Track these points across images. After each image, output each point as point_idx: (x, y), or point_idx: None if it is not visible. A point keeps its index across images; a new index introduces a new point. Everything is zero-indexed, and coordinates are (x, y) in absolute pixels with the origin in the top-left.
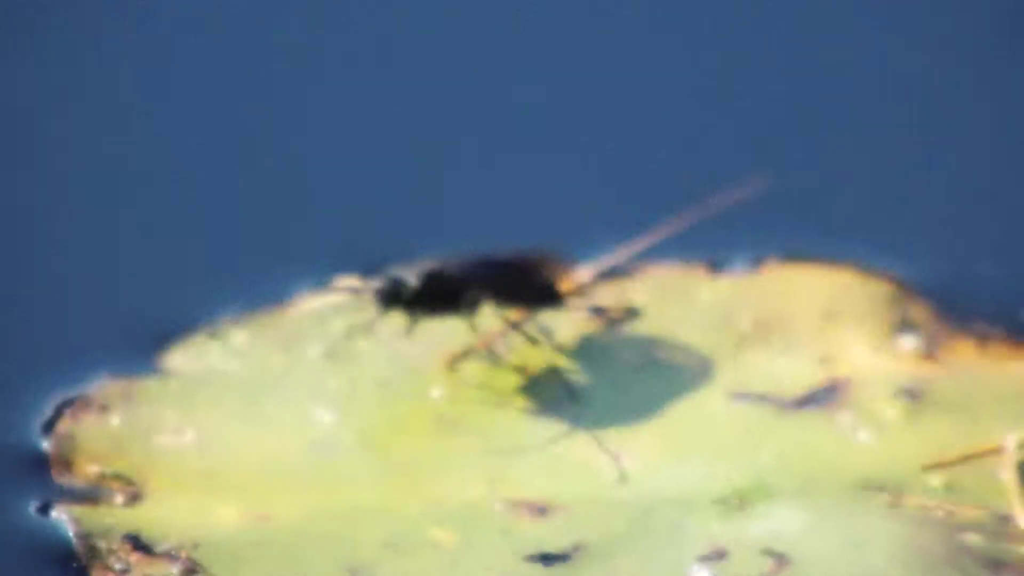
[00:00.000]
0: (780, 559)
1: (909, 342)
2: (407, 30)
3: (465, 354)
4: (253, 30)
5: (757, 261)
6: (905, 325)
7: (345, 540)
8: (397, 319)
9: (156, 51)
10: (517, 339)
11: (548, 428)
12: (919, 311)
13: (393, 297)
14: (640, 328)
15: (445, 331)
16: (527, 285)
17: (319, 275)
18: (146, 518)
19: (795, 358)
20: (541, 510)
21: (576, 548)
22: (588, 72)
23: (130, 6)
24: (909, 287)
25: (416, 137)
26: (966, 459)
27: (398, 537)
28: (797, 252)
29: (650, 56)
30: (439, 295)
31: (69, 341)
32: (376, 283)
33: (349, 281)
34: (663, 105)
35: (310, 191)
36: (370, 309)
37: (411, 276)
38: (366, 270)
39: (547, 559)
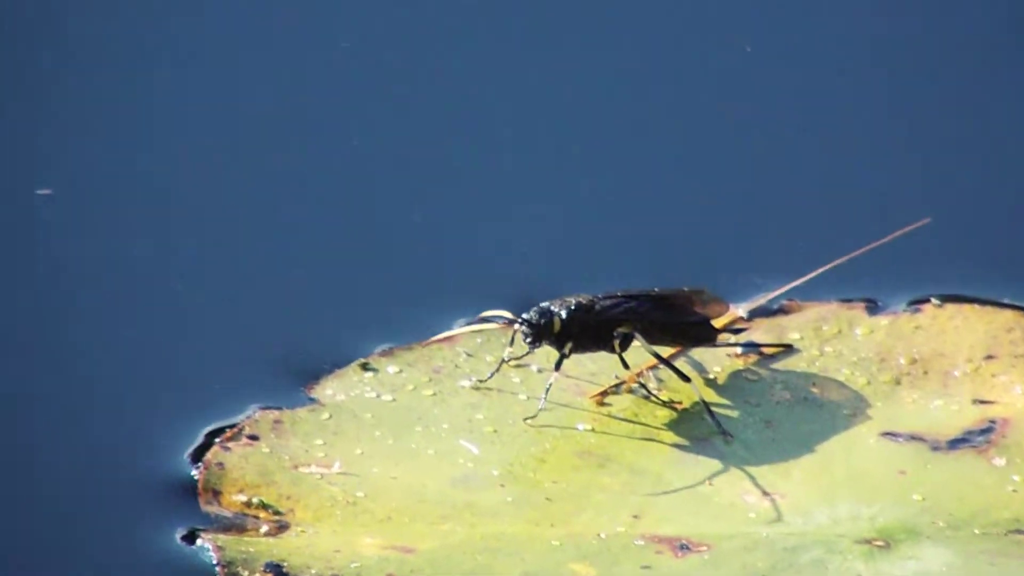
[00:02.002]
0: None
1: None
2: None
3: (614, 388)
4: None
5: (916, 301)
6: None
7: (484, 573)
8: (547, 353)
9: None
10: (668, 374)
11: (696, 465)
12: None
13: (543, 331)
14: (794, 365)
15: (595, 365)
16: (680, 320)
17: (470, 309)
18: (289, 547)
19: (951, 398)
20: (684, 547)
21: None
22: (754, 113)
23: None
24: None
25: (571, 172)
26: None
27: (537, 571)
28: (957, 293)
29: (817, 97)
30: (589, 329)
31: (223, 373)
32: (527, 316)
33: (500, 314)
34: (825, 146)
35: (464, 226)
36: (520, 343)
37: (562, 310)
38: (517, 304)
39: None
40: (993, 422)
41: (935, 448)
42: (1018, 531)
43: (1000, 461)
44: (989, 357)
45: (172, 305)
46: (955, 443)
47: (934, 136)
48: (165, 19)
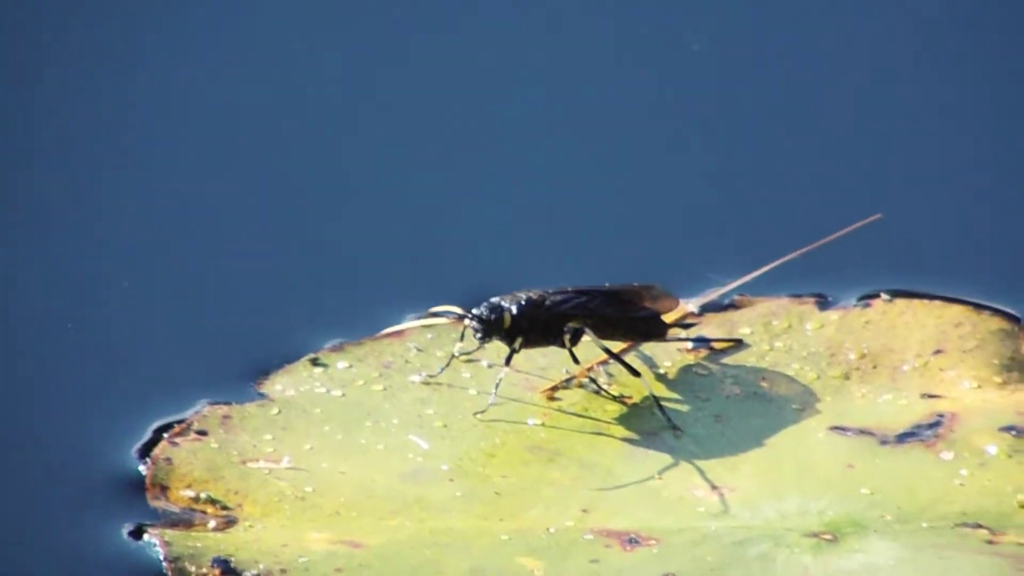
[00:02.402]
0: None
1: (1017, 379)
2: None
3: (564, 383)
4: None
5: (866, 296)
6: (1013, 362)
7: (432, 568)
8: (497, 348)
9: (251, 97)
10: (618, 369)
11: (645, 459)
12: None
13: (493, 326)
14: (744, 360)
15: (545, 360)
16: (630, 316)
17: (420, 304)
18: (237, 542)
19: (899, 392)
20: (633, 541)
21: None
22: (706, 111)
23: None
24: (1020, 325)
25: (523, 170)
26: None
27: (485, 565)
28: (907, 288)
29: (768, 94)
30: (540, 324)
31: (171, 369)
32: (477, 312)
33: (449, 309)
34: (776, 142)
35: (412, 223)
36: (470, 338)
37: (512, 305)
38: (466, 299)
39: None
40: (941, 416)
41: (883, 442)
42: (965, 524)
43: (948, 455)
44: (938, 352)
45: (121, 300)
46: (903, 437)
47: (885, 132)
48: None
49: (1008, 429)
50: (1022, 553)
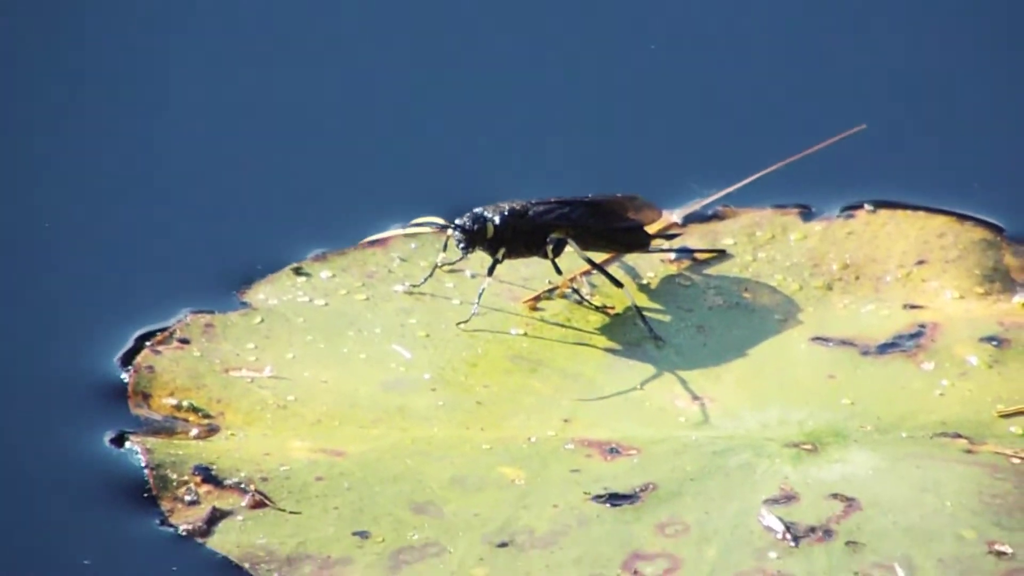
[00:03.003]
0: (849, 503)
1: (999, 290)
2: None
3: (547, 294)
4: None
5: (850, 207)
6: (996, 273)
7: (413, 477)
8: (481, 258)
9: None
10: (601, 280)
11: (627, 369)
12: (1012, 259)
13: (476, 236)
14: (727, 271)
15: (528, 271)
16: (613, 226)
17: (403, 215)
18: (218, 450)
19: (882, 303)
20: (613, 451)
21: (644, 489)
22: (692, 26)
23: None
24: (1003, 236)
25: (508, 80)
26: None
27: (466, 474)
28: (890, 199)
29: (752, 4)
30: (522, 235)
31: (154, 277)
32: (460, 222)
33: (432, 220)
34: (762, 53)
35: (398, 133)
36: (453, 248)
37: (495, 215)
38: (450, 210)
39: (614, 499)
40: (923, 326)
41: (865, 353)
42: (944, 434)
43: (929, 365)
44: (920, 262)
45: (105, 208)
46: (885, 348)
47: (869, 43)
48: None
49: (989, 339)
50: (1000, 462)
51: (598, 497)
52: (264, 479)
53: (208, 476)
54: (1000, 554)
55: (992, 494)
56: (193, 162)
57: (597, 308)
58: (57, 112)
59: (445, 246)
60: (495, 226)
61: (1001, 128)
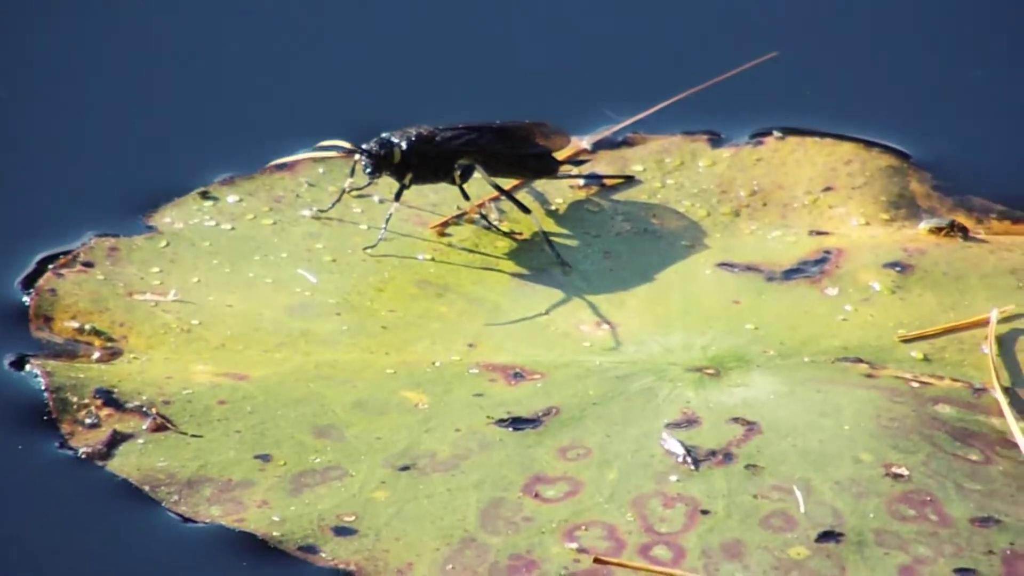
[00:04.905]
0: (750, 427)
1: (904, 216)
2: None
3: (455, 219)
4: None
5: (759, 134)
6: (902, 199)
7: (316, 400)
8: (389, 183)
9: None
10: (510, 206)
11: (533, 294)
12: (917, 186)
13: (384, 161)
14: (636, 197)
15: (437, 196)
16: (521, 152)
17: (310, 139)
18: (120, 374)
19: (788, 229)
20: (517, 375)
21: (547, 413)
22: None
23: None
24: (909, 163)
25: (417, 3)
26: (947, 332)
27: (369, 398)
28: (799, 126)
29: None
30: (430, 160)
31: (58, 199)
32: (367, 147)
33: (338, 144)
34: None
35: (306, 57)
36: (361, 173)
37: (402, 140)
38: (360, 134)
39: (517, 423)
40: (828, 252)
41: (770, 278)
42: (846, 359)
43: (833, 291)
44: (827, 189)
45: (8, 128)
46: (790, 273)
47: None
48: None
49: (893, 265)
50: (899, 386)
51: (501, 421)
52: (166, 402)
53: (109, 399)
54: (897, 476)
55: (890, 417)
56: (100, 84)
57: (505, 233)
58: None
59: (353, 171)
60: (402, 151)
61: (910, 55)
